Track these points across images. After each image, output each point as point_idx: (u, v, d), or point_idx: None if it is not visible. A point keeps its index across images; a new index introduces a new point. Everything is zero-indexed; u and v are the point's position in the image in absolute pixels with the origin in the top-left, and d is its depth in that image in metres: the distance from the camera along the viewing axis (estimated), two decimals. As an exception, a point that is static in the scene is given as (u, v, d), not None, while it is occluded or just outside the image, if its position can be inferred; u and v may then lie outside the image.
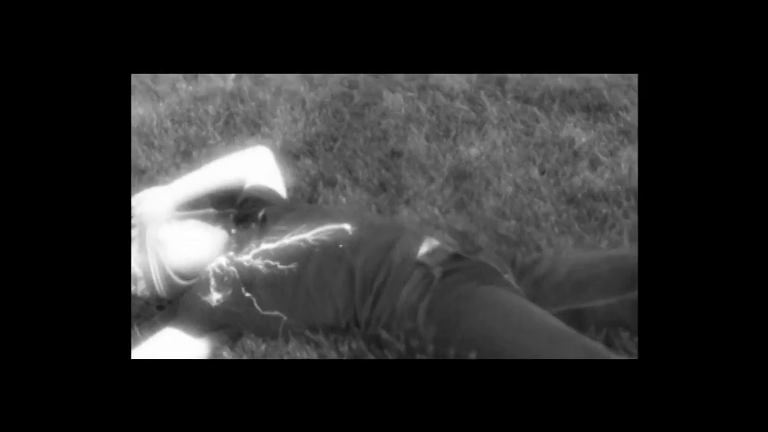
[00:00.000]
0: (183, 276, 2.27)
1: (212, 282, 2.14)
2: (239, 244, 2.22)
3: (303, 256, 2.10)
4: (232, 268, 2.14)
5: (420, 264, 2.05)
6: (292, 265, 2.09)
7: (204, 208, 2.54)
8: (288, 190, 2.62)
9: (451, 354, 1.93)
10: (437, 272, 2.02)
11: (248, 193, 2.51)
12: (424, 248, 2.10)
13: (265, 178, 2.56)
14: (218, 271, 2.15)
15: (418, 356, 1.98)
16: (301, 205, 2.53)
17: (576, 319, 2.01)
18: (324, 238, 2.11)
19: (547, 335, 1.87)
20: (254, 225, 2.32)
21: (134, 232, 2.30)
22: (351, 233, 2.12)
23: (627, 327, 2.02)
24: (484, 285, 1.99)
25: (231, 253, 2.19)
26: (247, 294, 2.10)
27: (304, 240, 2.12)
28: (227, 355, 2.10)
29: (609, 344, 2.01)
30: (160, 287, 2.26)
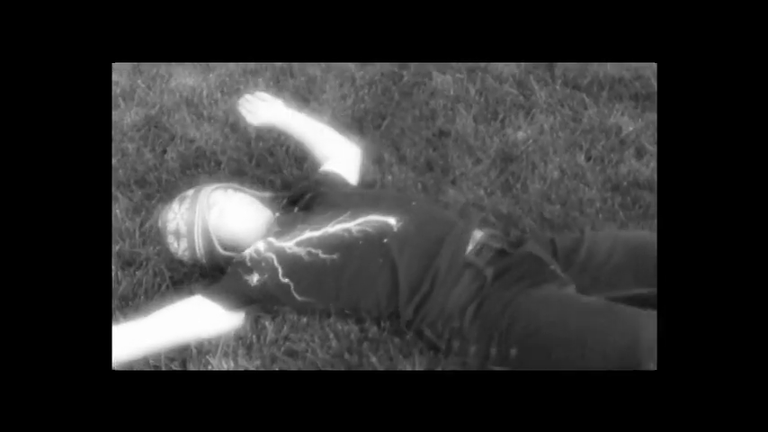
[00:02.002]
0: (223, 245, 2.29)
1: (249, 264, 2.15)
2: (281, 228, 2.23)
3: (346, 247, 2.10)
4: (270, 254, 2.14)
5: (469, 264, 2.05)
6: (335, 255, 2.10)
7: (262, 191, 2.57)
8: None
9: (493, 352, 1.94)
10: (488, 273, 2.03)
11: (319, 175, 2.52)
12: (470, 246, 2.10)
13: (343, 167, 2.57)
14: (254, 256, 2.16)
15: (457, 358, 2.00)
16: (346, 188, 2.51)
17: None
18: (368, 230, 2.11)
19: (591, 314, 1.88)
20: (296, 209, 2.34)
21: (190, 192, 2.35)
22: (396, 229, 2.10)
23: None
24: (533, 288, 1.98)
25: (271, 238, 2.19)
26: (285, 280, 2.11)
27: (348, 230, 2.12)
28: (268, 324, 2.13)
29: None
30: (200, 250, 2.29)
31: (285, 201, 2.45)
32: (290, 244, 2.13)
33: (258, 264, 2.14)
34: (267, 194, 2.53)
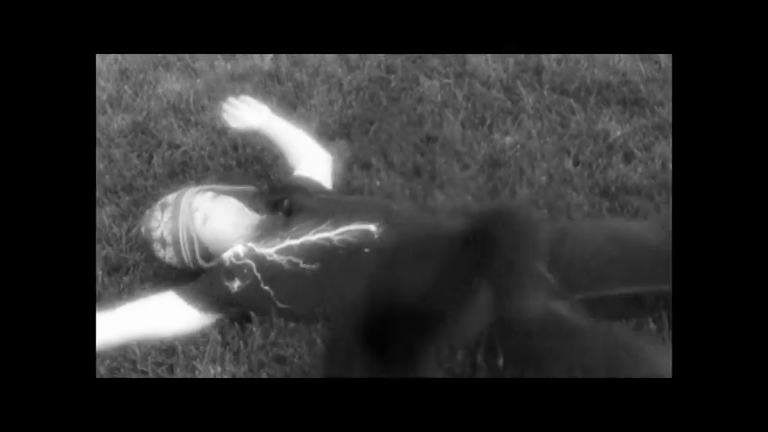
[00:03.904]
0: (206, 256, 2.29)
1: (229, 269, 2.16)
2: (262, 232, 2.23)
3: (327, 256, 2.11)
4: (249, 261, 2.14)
5: None
6: (315, 266, 2.10)
7: (244, 185, 2.56)
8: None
9: (479, 360, 1.92)
10: None
11: (293, 178, 2.54)
12: None
13: (316, 171, 2.58)
14: (234, 261, 2.16)
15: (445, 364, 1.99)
16: (328, 195, 2.50)
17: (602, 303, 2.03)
18: (349, 239, 2.11)
19: None
20: (280, 214, 2.33)
21: (170, 198, 2.34)
22: (376, 236, 2.10)
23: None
24: None
25: (251, 243, 2.18)
26: (266, 288, 2.12)
27: (328, 239, 2.12)
28: (255, 330, 2.11)
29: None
30: (187, 255, 2.28)
31: (267, 204, 2.45)
32: (270, 251, 2.13)
33: (240, 269, 2.14)
34: (250, 189, 2.52)
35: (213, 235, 2.29)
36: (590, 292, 2.03)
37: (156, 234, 2.30)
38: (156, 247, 2.31)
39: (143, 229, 2.35)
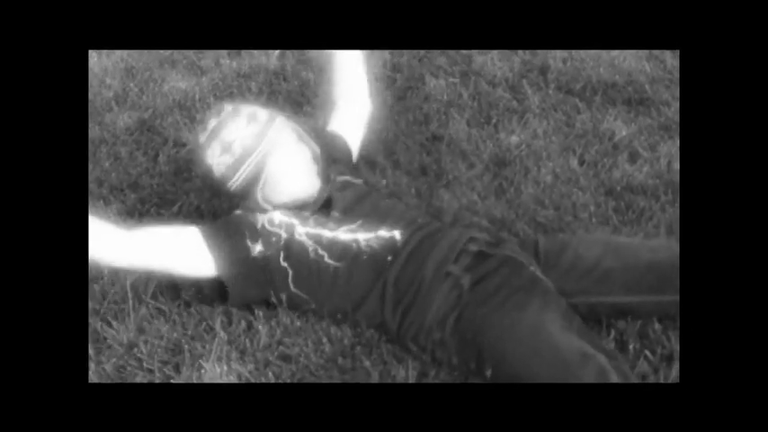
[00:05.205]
0: (264, 196, 2.22)
1: (259, 231, 2.12)
2: (304, 208, 2.20)
3: (351, 257, 2.09)
4: (281, 231, 2.12)
5: (448, 273, 2.04)
6: (339, 264, 2.09)
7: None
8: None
9: (472, 366, 1.93)
10: (465, 281, 2.01)
11: (328, 134, 2.48)
12: (453, 255, 2.08)
13: (347, 128, 2.53)
14: (267, 226, 2.13)
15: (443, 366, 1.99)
16: (362, 190, 2.35)
17: (597, 311, 2.05)
18: (375, 246, 2.09)
19: (560, 360, 1.82)
20: (324, 195, 2.25)
21: (262, 114, 2.22)
22: (399, 244, 2.09)
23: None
24: (509, 301, 1.96)
25: (289, 218, 2.15)
26: (284, 264, 2.10)
27: (356, 241, 2.11)
28: (261, 328, 2.11)
29: (642, 335, 2.02)
30: (240, 176, 2.19)
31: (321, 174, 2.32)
32: (300, 231, 2.12)
33: (268, 236, 2.11)
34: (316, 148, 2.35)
35: (280, 183, 2.22)
36: (587, 296, 2.04)
37: (227, 137, 2.16)
38: (215, 146, 2.17)
39: (214, 121, 2.19)
